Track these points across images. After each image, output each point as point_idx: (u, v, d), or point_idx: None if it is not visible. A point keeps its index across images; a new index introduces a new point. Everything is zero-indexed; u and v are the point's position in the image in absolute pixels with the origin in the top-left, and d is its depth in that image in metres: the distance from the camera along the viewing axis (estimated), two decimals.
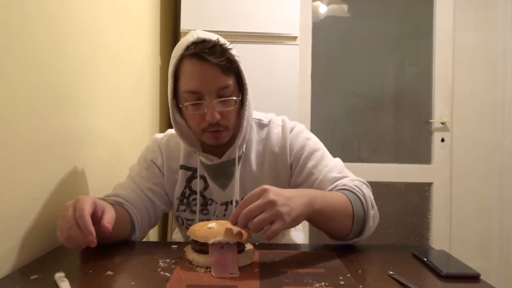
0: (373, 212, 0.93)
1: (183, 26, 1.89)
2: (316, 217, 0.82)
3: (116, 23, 1.33)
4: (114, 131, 1.33)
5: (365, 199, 0.91)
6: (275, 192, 0.74)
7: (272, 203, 0.72)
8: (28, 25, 0.81)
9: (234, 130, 1.01)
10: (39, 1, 0.85)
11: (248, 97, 0.99)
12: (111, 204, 0.88)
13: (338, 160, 1.05)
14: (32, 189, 0.84)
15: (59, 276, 0.67)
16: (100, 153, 1.20)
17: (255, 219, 0.72)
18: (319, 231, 0.93)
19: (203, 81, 0.93)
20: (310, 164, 1.01)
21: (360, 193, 0.92)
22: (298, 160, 1.03)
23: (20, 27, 0.78)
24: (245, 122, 1.00)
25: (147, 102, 1.78)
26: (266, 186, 0.75)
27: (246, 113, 0.99)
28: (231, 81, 0.95)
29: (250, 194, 0.76)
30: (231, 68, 0.95)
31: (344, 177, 0.98)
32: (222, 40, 0.95)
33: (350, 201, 0.89)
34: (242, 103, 1.00)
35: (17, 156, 0.78)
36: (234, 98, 0.96)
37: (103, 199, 0.95)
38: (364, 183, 0.97)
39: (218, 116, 0.93)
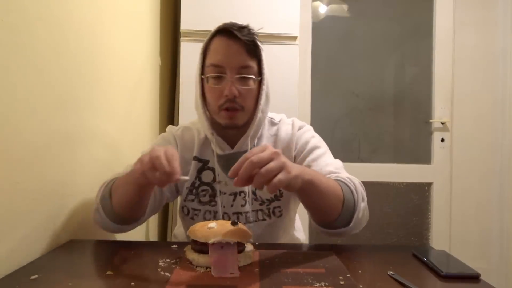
0: (364, 205, 0.93)
1: (183, 26, 1.89)
2: (307, 189, 0.82)
3: (116, 23, 1.33)
4: (114, 131, 1.33)
5: (356, 190, 0.92)
6: (276, 150, 0.76)
7: (277, 154, 0.73)
8: (28, 24, 0.81)
9: (248, 119, 1.04)
10: (39, 1, 0.85)
11: (264, 89, 1.03)
12: None
13: (338, 160, 1.08)
14: (32, 189, 0.84)
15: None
16: (100, 153, 1.20)
17: (263, 168, 0.71)
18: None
19: (227, 56, 0.98)
20: (310, 158, 1.05)
21: (351, 184, 0.93)
22: (301, 153, 1.08)
23: (20, 27, 0.78)
24: (259, 113, 1.03)
25: (147, 102, 1.78)
26: (268, 145, 0.76)
27: (262, 102, 1.03)
28: (254, 64, 1.01)
29: (253, 149, 0.75)
30: (255, 52, 1.01)
31: (339, 172, 1.00)
32: (251, 26, 1.02)
33: (341, 187, 0.91)
34: (259, 94, 1.04)
35: (17, 156, 0.78)
36: (253, 77, 1.00)
37: (115, 177, 0.98)
38: (358, 181, 0.98)
39: (235, 91, 0.98)
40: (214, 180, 1.09)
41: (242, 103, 1.00)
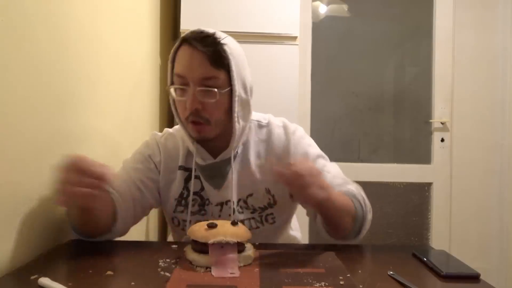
0: (370, 216, 0.97)
1: (183, 26, 1.89)
2: (326, 205, 0.85)
3: (116, 23, 1.33)
4: (113, 131, 1.33)
5: (365, 203, 0.96)
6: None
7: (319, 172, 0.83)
8: (28, 25, 0.81)
9: (227, 131, 0.99)
10: (39, 1, 0.85)
11: (237, 99, 0.96)
12: None
13: (337, 167, 1.08)
14: (32, 189, 0.84)
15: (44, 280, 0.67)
16: (100, 153, 1.20)
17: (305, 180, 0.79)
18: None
19: (189, 67, 0.94)
20: None
21: (361, 198, 0.96)
22: None
23: (20, 27, 0.78)
24: (237, 125, 0.98)
25: (147, 102, 1.78)
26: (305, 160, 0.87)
27: (236, 115, 0.97)
28: (220, 75, 0.94)
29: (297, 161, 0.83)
30: (221, 62, 0.94)
31: (346, 183, 1.01)
32: (219, 35, 0.95)
33: (353, 203, 0.93)
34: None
35: (17, 156, 0.78)
36: (216, 89, 0.93)
37: None
38: (360, 189, 1.01)
39: (197, 104, 0.93)
40: (202, 188, 1.06)
41: (207, 116, 0.94)
